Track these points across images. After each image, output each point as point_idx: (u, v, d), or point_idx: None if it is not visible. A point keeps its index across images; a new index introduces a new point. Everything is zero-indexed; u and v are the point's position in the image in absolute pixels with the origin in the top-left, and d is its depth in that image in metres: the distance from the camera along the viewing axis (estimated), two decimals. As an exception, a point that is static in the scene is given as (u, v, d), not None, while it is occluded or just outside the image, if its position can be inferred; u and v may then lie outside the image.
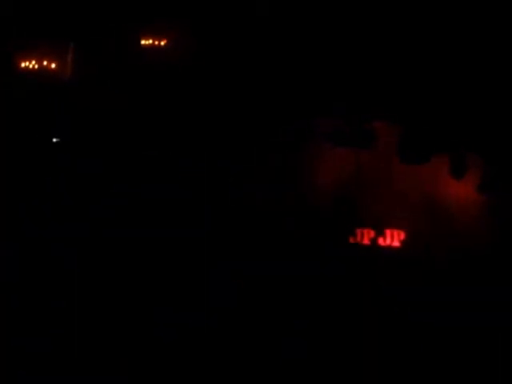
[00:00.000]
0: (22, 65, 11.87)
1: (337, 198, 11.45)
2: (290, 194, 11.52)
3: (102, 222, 11.61)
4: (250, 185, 11.55)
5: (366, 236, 11.41)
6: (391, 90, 11.12)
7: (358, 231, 11.43)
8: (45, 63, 11.91)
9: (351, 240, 11.41)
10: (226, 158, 11.59)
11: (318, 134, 11.47)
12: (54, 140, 11.97)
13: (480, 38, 10.81)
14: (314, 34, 11.24)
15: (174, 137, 11.83)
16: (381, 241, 11.38)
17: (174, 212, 11.49)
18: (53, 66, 11.94)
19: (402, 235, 11.35)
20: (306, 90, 11.31)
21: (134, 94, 11.87)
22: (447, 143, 11.02)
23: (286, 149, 11.54)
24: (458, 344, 10.52)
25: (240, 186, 11.56)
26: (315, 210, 11.46)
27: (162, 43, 12.03)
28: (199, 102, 11.78)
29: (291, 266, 11.21)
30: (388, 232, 11.38)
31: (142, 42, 12.05)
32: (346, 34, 11.15)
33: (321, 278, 11.18)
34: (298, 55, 11.33)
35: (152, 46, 12.03)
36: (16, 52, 11.83)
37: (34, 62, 11.87)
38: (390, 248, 11.32)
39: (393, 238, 11.35)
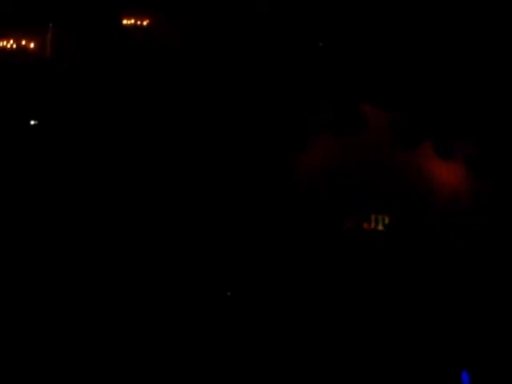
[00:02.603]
0: (0, 44, 11.37)
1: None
2: (287, 183, 11.60)
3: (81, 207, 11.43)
4: (251, 177, 11.55)
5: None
6: (383, 77, 11.26)
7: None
8: (23, 43, 11.44)
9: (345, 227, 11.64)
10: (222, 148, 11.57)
11: (310, 122, 11.56)
12: (32, 122, 11.59)
13: (466, 27, 11.04)
14: (311, 23, 11.24)
15: (157, 117, 11.68)
16: (365, 225, 11.66)
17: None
18: (31, 45, 11.49)
19: (387, 220, 11.65)
20: (304, 83, 11.33)
21: (115, 74, 11.59)
22: (437, 128, 11.27)
23: (284, 140, 11.58)
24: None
25: (241, 178, 11.56)
26: (309, 198, 11.60)
27: (145, 23, 11.75)
28: (183, 86, 11.64)
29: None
30: (373, 217, 11.66)
31: (124, 21, 11.73)
32: (342, 25, 11.19)
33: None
34: (296, 46, 11.32)
35: (134, 26, 11.74)
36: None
37: (11, 42, 11.39)
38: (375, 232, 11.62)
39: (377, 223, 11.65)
